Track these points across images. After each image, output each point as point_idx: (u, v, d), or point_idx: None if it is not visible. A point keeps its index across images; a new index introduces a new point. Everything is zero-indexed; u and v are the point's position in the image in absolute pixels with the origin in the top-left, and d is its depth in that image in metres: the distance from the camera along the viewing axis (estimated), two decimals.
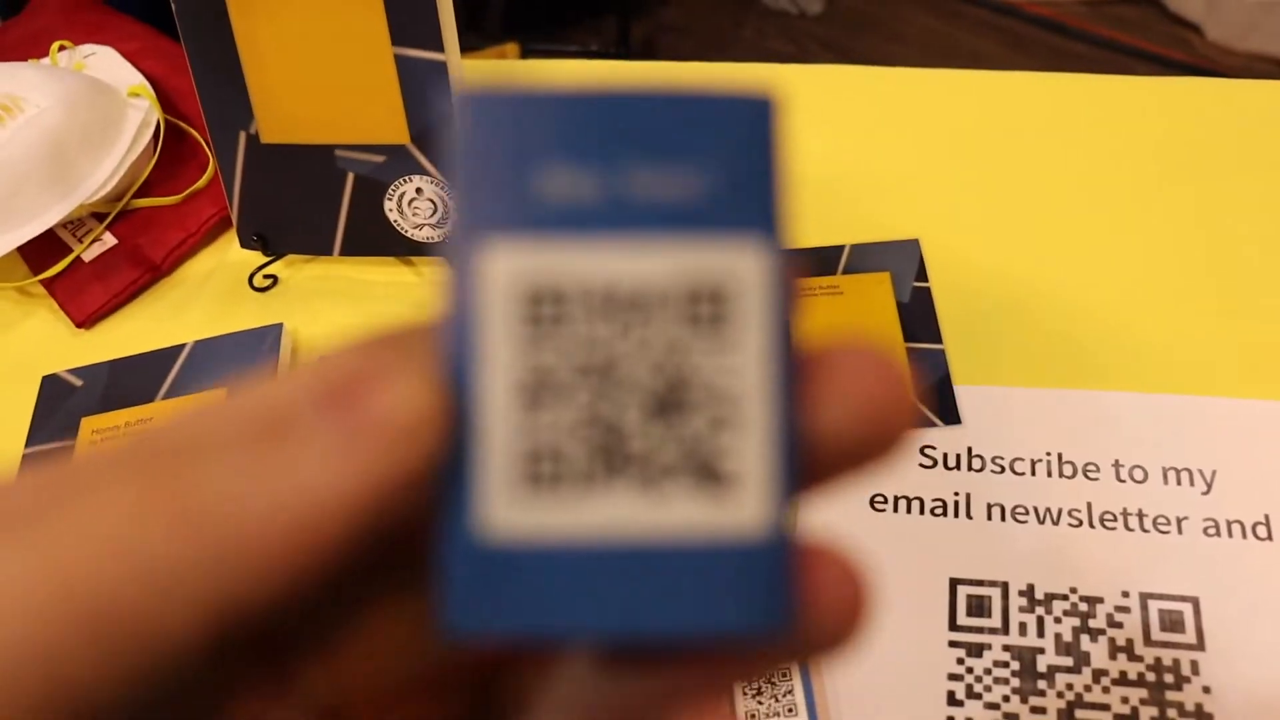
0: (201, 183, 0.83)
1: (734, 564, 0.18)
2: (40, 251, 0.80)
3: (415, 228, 0.73)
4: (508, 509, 0.18)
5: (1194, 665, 0.55)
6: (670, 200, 0.18)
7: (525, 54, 1.96)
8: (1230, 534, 0.59)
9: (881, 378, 0.19)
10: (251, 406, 0.18)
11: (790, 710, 0.53)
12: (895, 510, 0.61)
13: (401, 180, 0.72)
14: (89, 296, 0.79)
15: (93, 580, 0.16)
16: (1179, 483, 0.61)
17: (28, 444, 0.71)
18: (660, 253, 0.18)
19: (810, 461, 0.19)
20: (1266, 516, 0.59)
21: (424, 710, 0.22)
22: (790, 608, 0.18)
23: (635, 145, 0.18)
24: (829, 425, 0.19)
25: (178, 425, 0.18)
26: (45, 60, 0.90)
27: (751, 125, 0.19)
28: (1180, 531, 0.59)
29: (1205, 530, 0.59)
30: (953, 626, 0.57)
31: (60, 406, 0.73)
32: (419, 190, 0.72)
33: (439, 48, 0.67)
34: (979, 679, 0.55)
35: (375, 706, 0.22)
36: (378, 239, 0.75)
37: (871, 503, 0.62)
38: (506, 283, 0.18)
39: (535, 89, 0.19)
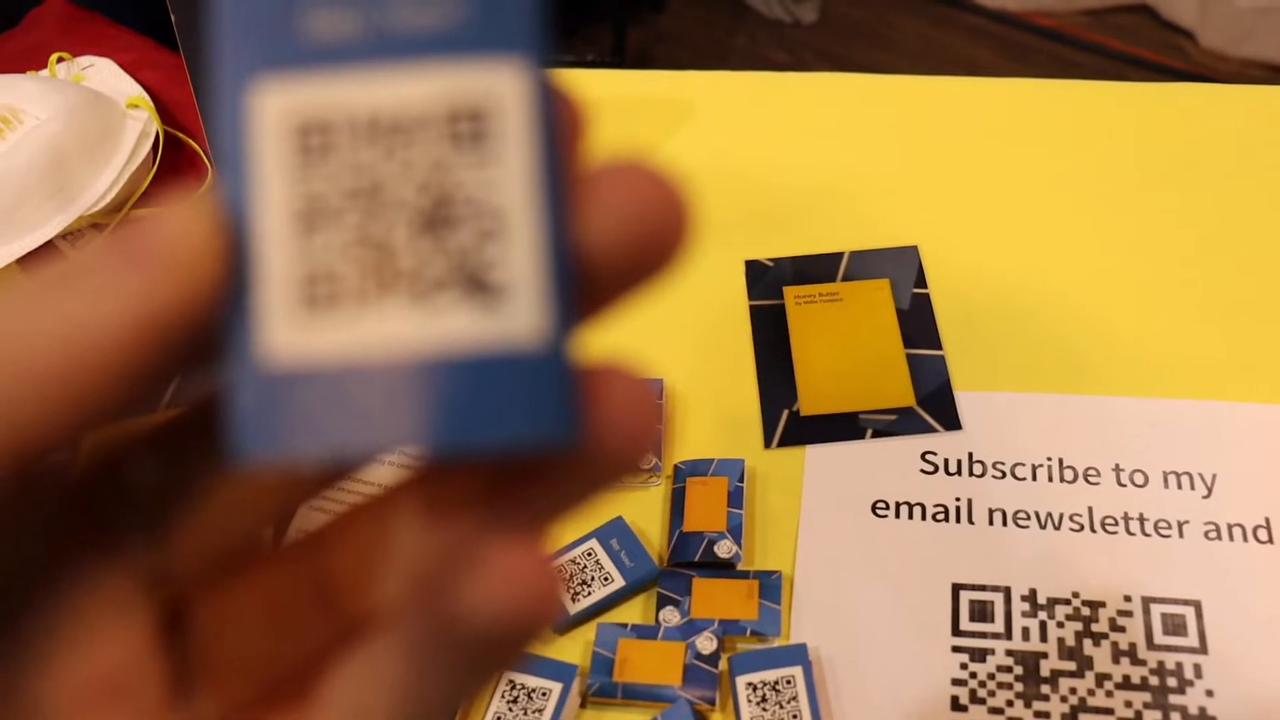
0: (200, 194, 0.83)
1: (514, 372, 0.18)
2: (38, 263, 0.80)
3: None
4: (288, 331, 0.18)
5: (1197, 669, 0.55)
6: (429, 28, 0.19)
7: None
8: (1231, 537, 0.59)
9: (653, 188, 0.19)
10: (48, 266, 0.18)
11: (795, 717, 0.53)
12: (897, 516, 0.62)
13: None
14: None
15: None
16: (1180, 487, 0.61)
17: None
18: (420, 78, 0.19)
19: (587, 275, 0.19)
20: (1267, 520, 0.60)
21: (263, 584, 0.23)
22: (575, 415, 0.19)
23: None
24: (601, 236, 0.19)
25: None
26: (44, 72, 0.90)
27: None
28: (1181, 535, 0.59)
29: (1206, 534, 0.59)
30: (956, 632, 0.57)
31: None
32: None
33: None
34: (982, 684, 0.55)
35: (214, 579, 0.22)
36: None
37: (873, 509, 0.62)
38: (276, 118, 0.19)
39: None
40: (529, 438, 0.18)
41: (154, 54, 0.94)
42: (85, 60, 0.91)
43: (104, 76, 0.88)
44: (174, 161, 0.84)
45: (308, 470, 0.22)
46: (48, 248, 0.79)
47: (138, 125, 0.83)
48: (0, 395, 0.17)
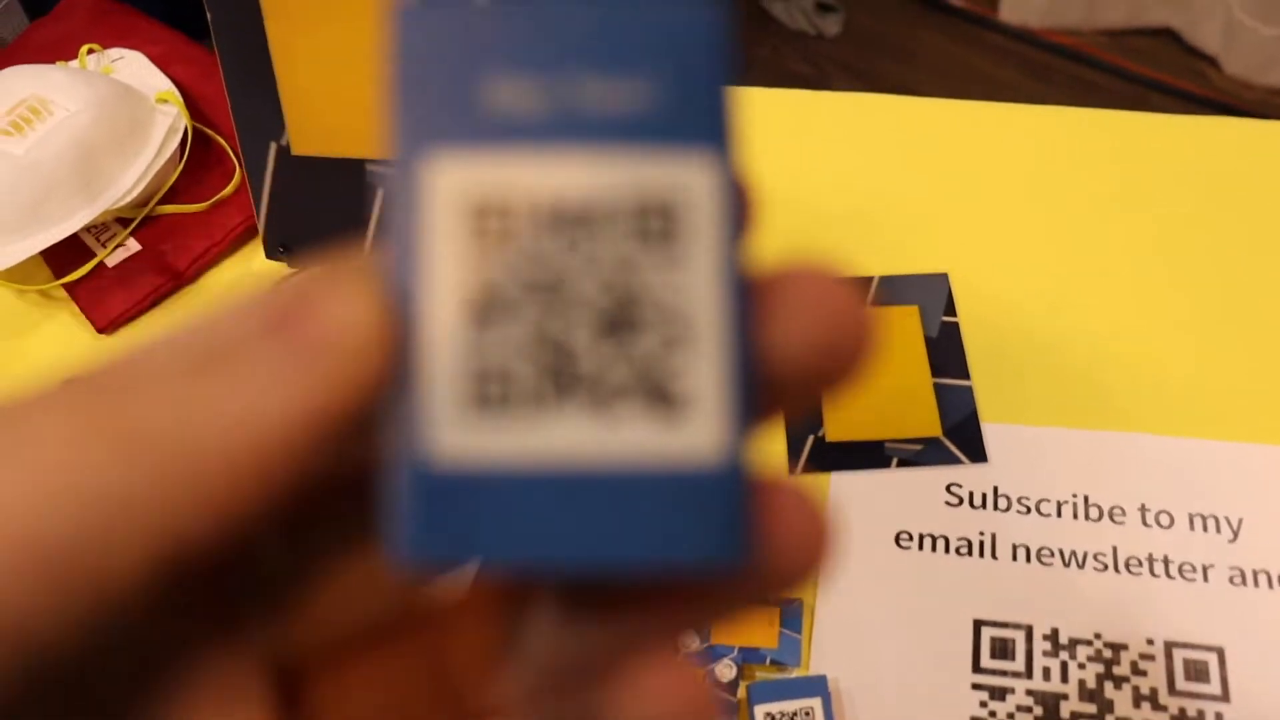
0: (228, 191, 0.83)
1: (689, 490, 0.17)
2: (63, 255, 0.80)
3: None
4: (456, 431, 0.17)
5: (1219, 717, 0.55)
6: (618, 111, 0.18)
7: None
8: (1256, 583, 0.59)
9: (838, 298, 0.18)
10: (193, 336, 0.17)
11: None
12: (920, 548, 0.61)
13: None
14: (111, 302, 0.79)
15: (33, 518, 0.15)
16: (1205, 529, 0.61)
17: None
18: (608, 165, 0.18)
19: (766, 385, 0.18)
20: None
21: (382, 672, 0.22)
22: (748, 537, 0.18)
23: (582, 54, 0.18)
24: (785, 346, 0.18)
25: (116, 359, 0.17)
26: (74, 63, 0.90)
27: (700, 35, 0.18)
28: (1206, 579, 0.59)
29: (1231, 579, 0.59)
30: (976, 668, 0.57)
31: None
32: None
33: None
34: None
35: (332, 665, 0.22)
36: None
37: (896, 539, 0.62)
38: (451, 196, 0.18)
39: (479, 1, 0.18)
40: (699, 560, 0.18)
41: (184, 48, 0.93)
42: (115, 52, 0.90)
43: (134, 69, 0.88)
44: (202, 157, 0.84)
45: (467, 574, 0.21)
46: (71, 240, 0.78)
47: (166, 120, 0.83)
48: (162, 491, 0.16)
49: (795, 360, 0.18)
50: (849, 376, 0.18)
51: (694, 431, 0.17)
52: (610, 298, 0.18)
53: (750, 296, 0.18)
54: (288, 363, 0.16)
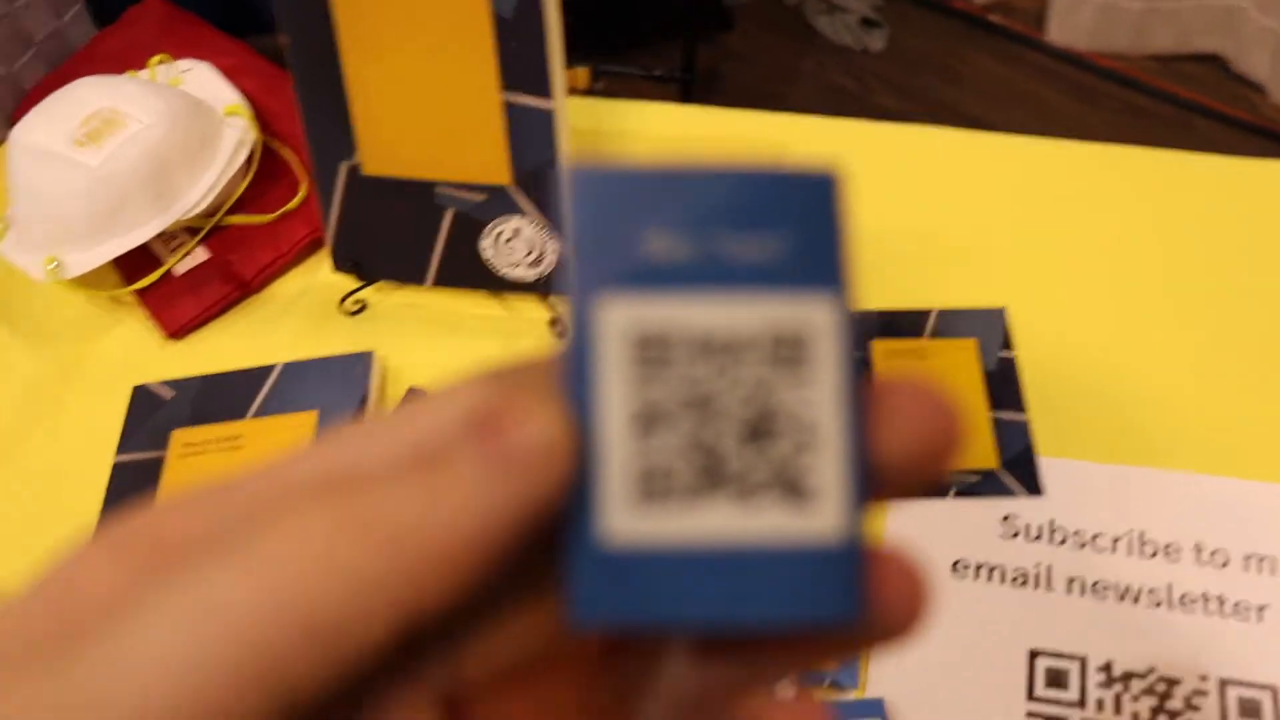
0: (294, 203, 0.84)
1: (816, 563, 0.21)
2: (133, 262, 0.81)
3: (509, 266, 0.75)
4: (626, 519, 0.21)
5: None
6: (754, 260, 0.22)
7: (595, 76, 1.97)
8: None
9: (935, 409, 0.22)
10: (404, 436, 0.21)
11: None
12: (976, 577, 0.62)
13: (500, 219, 0.73)
14: (180, 309, 0.81)
15: (305, 597, 0.19)
16: (1260, 570, 0.62)
17: (119, 452, 0.73)
18: (748, 305, 0.22)
19: (876, 478, 0.22)
20: None
21: (536, 704, 0.25)
22: (862, 600, 0.21)
23: (724, 214, 0.22)
24: (892, 448, 0.22)
25: (341, 450, 0.21)
26: (144, 74, 0.92)
27: (821, 197, 0.22)
28: (1261, 619, 0.60)
29: None
30: (1030, 697, 0.58)
31: (150, 417, 0.74)
32: (516, 230, 0.73)
33: (548, 95, 0.68)
34: None
35: (494, 696, 0.24)
36: (470, 273, 0.76)
37: (953, 567, 0.62)
38: (619, 331, 0.22)
39: (637, 165, 0.22)
40: (824, 618, 0.21)
41: (251, 60, 0.95)
42: (184, 64, 0.92)
43: (202, 81, 0.90)
44: (268, 169, 0.86)
45: (629, 639, 0.24)
46: (141, 247, 0.80)
47: (235, 133, 0.84)
48: (402, 574, 0.19)
49: (900, 458, 0.22)
50: (943, 474, 0.22)
51: (819, 517, 0.21)
52: (751, 411, 0.22)
53: (863, 407, 0.22)
54: (493, 469, 0.20)
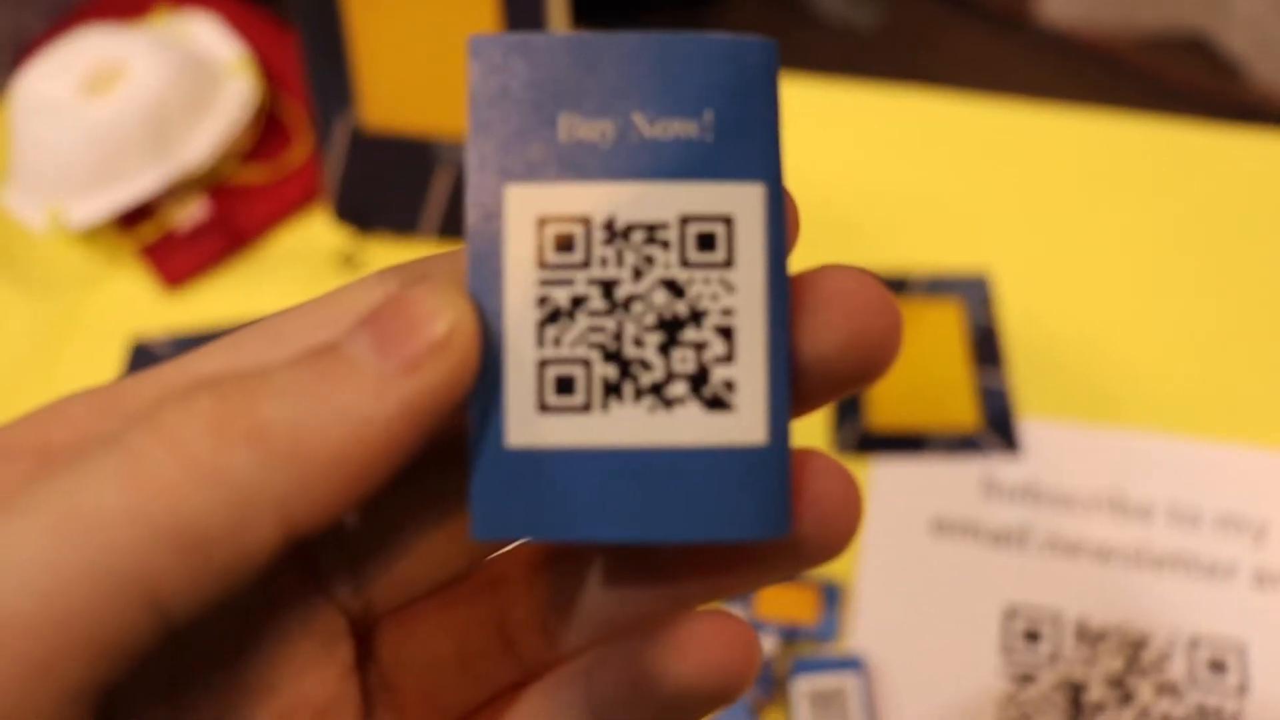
0: (295, 158, 0.85)
1: (737, 474, 0.20)
2: (133, 214, 0.82)
3: None
4: (530, 423, 0.20)
5: (1236, 714, 0.57)
6: (675, 140, 0.20)
7: None
8: (1277, 585, 0.61)
9: (867, 297, 0.20)
10: (303, 331, 0.20)
11: None
12: (955, 535, 0.64)
13: None
14: (179, 260, 0.82)
15: (176, 505, 0.18)
16: (1231, 531, 0.64)
17: None
18: (666, 190, 0.20)
19: (803, 382, 0.20)
20: None
21: (449, 624, 0.24)
22: (788, 513, 0.20)
23: (642, 89, 0.20)
24: (820, 342, 0.20)
25: (240, 348, 0.20)
26: (147, 25, 0.92)
27: (750, 68, 0.20)
28: (1231, 579, 0.62)
29: (1254, 580, 0.62)
30: (1005, 653, 0.60)
31: None
32: None
33: None
34: (1028, 708, 0.58)
35: (404, 617, 0.24)
36: None
37: (932, 526, 0.64)
38: (527, 221, 0.20)
39: (548, 35, 0.20)
40: (747, 533, 0.20)
41: (255, 15, 0.96)
42: (187, 14, 0.93)
43: (206, 35, 0.90)
44: (269, 125, 0.87)
45: (533, 541, 0.23)
46: (143, 206, 0.81)
47: (237, 87, 0.85)
48: (287, 479, 0.18)
49: (828, 358, 0.20)
50: (877, 373, 0.21)
51: (740, 423, 0.20)
52: (669, 309, 0.20)
53: (789, 303, 0.20)
54: (390, 364, 0.19)
